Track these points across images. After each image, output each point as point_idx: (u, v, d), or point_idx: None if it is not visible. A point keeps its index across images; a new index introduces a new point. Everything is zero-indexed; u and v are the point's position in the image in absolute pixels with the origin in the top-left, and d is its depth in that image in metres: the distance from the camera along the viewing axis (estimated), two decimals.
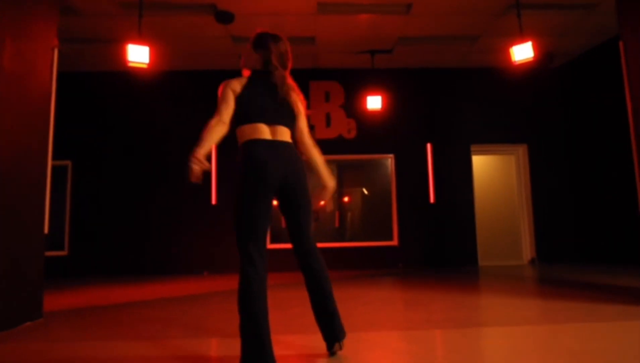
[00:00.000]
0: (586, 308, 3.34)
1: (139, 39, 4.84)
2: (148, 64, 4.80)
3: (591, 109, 7.18)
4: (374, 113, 7.29)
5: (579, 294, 4.01)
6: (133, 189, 7.41)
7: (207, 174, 7.36)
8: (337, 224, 7.78)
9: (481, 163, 7.99)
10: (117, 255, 7.22)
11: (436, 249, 7.37)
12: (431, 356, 2.27)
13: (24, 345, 2.67)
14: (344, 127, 7.72)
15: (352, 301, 4.02)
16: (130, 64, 4.73)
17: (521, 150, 7.75)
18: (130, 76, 6.99)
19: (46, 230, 3.34)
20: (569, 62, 7.56)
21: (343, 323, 2.22)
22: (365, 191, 7.94)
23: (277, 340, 2.18)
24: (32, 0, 3.30)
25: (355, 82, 7.67)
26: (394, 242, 7.45)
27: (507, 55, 6.87)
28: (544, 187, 7.58)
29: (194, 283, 5.86)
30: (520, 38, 5.14)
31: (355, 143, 7.69)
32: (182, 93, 7.64)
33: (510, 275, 5.95)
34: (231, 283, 5.73)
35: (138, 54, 4.72)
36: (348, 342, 2.27)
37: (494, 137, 7.75)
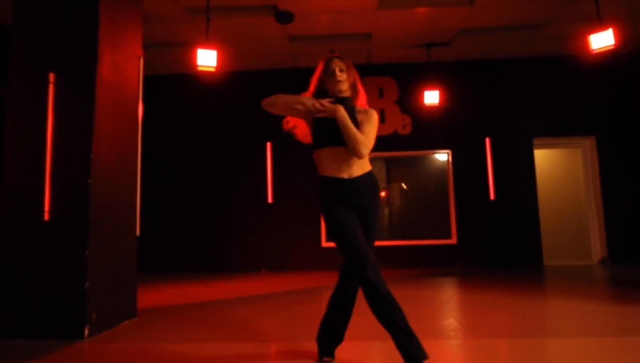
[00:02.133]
0: None
1: (206, 43, 4.90)
2: (216, 67, 4.85)
3: None
4: (429, 108, 7.13)
5: None
6: (192, 187, 7.59)
7: (263, 174, 7.50)
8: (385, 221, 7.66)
9: (545, 157, 7.66)
10: (176, 252, 7.42)
11: (497, 247, 7.13)
12: None
13: (127, 345, 2.78)
14: (398, 123, 7.59)
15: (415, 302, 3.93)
16: (200, 68, 4.81)
17: (588, 143, 7.37)
18: (193, 76, 7.15)
19: (138, 232, 3.45)
20: None
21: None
22: (404, 186, 7.78)
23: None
24: (122, 13, 3.42)
25: (409, 77, 7.53)
26: (452, 240, 7.27)
27: (574, 42, 6.57)
28: (615, 182, 7.18)
29: (258, 282, 5.94)
30: (598, 24, 4.84)
31: (410, 138, 7.55)
32: (240, 92, 7.73)
33: (579, 275, 5.68)
34: (290, 281, 5.80)
35: (207, 58, 4.79)
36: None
37: (558, 130, 7.40)
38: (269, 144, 7.53)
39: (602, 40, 4.67)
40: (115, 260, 3.28)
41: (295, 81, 7.58)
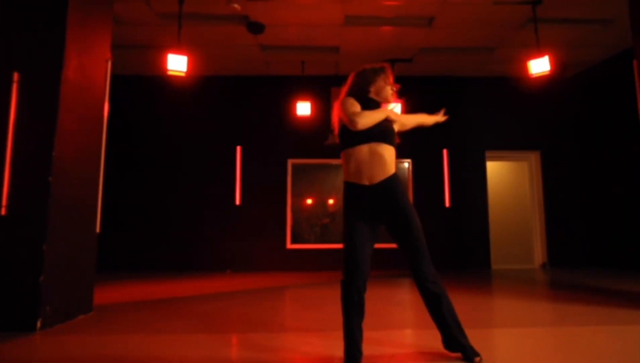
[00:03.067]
0: (597, 311, 3.59)
1: (178, 48, 5.15)
2: (186, 72, 5.10)
3: (602, 118, 7.42)
4: None
5: (589, 298, 4.26)
6: (161, 189, 7.73)
7: (232, 177, 7.74)
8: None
9: (495, 169, 8.24)
10: (142, 251, 7.53)
11: (451, 252, 7.62)
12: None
13: (82, 337, 2.87)
14: None
15: (381, 300, 4.29)
16: (170, 72, 5.04)
17: (533, 157, 8.00)
18: (163, 79, 7.33)
19: (98, 229, 3.64)
20: (582, 73, 7.81)
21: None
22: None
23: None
24: (91, 17, 3.61)
25: None
26: None
27: (523, 65, 7.15)
28: (556, 193, 7.83)
29: (221, 281, 6.13)
30: (537, 51, 5.41)
31: None
32: (211, 96, 7.97)
33: (522, 278, 6.20)
34: (254, 281, 6.03)
35: (177, 63, 5.03)
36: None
37: (507, 144, 8.00)
38: (238, 148, 7.78)
39: (539, 66, 5.21)
40: (74, 255, 3.40)
41: (267, 87, 8.00)
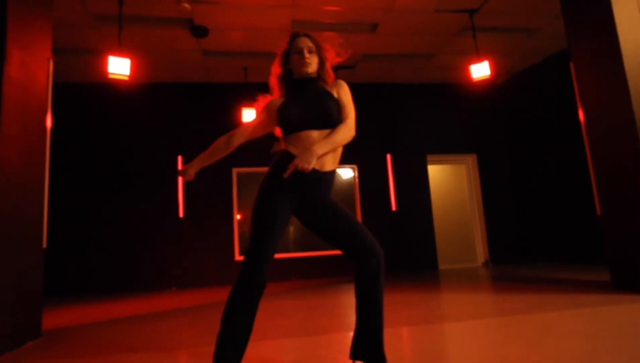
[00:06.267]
0: (534, 299, 3.83)
1: (119, 51, 4.80)
2: (129, 76, 4.76)
3: (530, 121, 8.02)
4: None
5: (530, 288, 4.54)
6: (100, 202, 7.14)
7: (174, 188, 7.34)
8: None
9: (437, 172, 8.57)
10: (81, 271, 6.89)
11: (398, 254, 7.76)
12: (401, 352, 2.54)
13: None
14: None
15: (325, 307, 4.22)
16: (111, 76, 4.68)
17: (471, 159, 8.44)
18: (104, 86, 6.82)
19: (45, 244, 3.24)
20: (511, 79, 8.41)
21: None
22: None
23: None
24: (31, 12, 3.27)
25: None
26: None
27: (460, 71, 7.57)
28: (492, 193, 8.30)
29: (168, 299, 5.75)
30: (477, 56, 5.72)
31: None
32: (152, 104, 7.53)
33: (469, 275, 6.47)
34: (203, 296, 5.72)
35: (119, 66, 4.68)
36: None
37: (446, 147, 8.37)
38: (180, 158, 7.40)
39: (480, 70, 5.52)
40: (18, 275, 3.03)
41: (208, 95, 7.72)
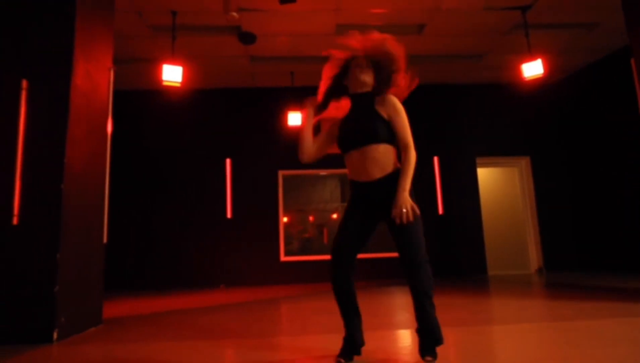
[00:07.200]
0: (583, 306, 3.64)
1: (172, 59, 5.06)
2: (181, 83, 5.00)
3: (589, 121, 7.58)
4: None
5: (580, 296, 4.31)
6: (153, 203, 7.53)
7: (223, 190, 7.59)
8: (325, 240, 7.80)
9: (487, 175, 8.30)
10: (135, 269, 7.29)
11: (446, 259, 7.58)
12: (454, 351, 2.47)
13: (95, 347, 2.84)
14: None
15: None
16: (165, 83, 4.94)
17: (524, 162, 8.09)
18: (156, 93, 7.21)
19: (105, 239, 3.50)
20: (567, 78, 7.99)
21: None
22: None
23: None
24: (95, 24, 3.54)
25: None
26: None
27: (511, 71, 7.29)
28: (548, 197, 7.91)
29: (219, 295, 5.96)
30: (529, 55, 5.50)
31: None
32: (201, 110, 7.86)
33: (519, 282, 6.21)
34: (250, 294, 5.89)
35: (172, 74, 4.93)
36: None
37: (497, 150, 8.08)
38: (228, 161, 7.66)
39: (532, 69, 5.31)
40: (84, 265, 3.31)
41: (257, 99, 7.93)
